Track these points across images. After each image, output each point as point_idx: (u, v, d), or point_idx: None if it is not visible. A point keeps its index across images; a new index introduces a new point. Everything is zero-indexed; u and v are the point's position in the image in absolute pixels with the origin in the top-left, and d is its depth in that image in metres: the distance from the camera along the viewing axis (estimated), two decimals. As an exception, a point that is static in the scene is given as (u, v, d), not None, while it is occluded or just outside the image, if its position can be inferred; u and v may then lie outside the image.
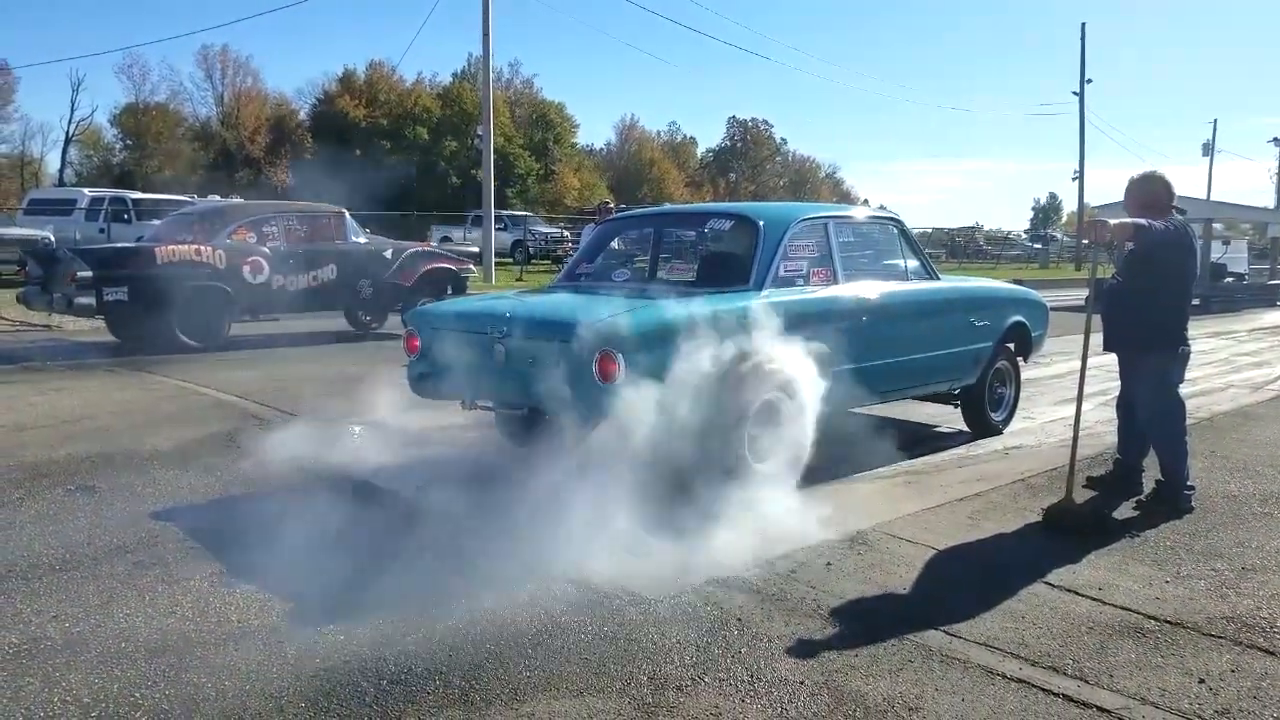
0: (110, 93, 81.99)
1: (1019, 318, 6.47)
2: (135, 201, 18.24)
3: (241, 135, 45.49)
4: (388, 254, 11.42)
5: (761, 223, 5.07)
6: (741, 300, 4.65)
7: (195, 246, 9.84)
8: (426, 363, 5.04)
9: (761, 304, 4.64)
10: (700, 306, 4.43)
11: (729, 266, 4.99)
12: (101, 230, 17.07)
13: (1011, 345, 6.50)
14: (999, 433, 6.38)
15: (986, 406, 6.32)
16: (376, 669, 2.83)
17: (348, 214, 11.34)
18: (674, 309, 4.41)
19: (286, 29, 74.06)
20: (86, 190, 20.26)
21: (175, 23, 75.08)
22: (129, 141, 46.95)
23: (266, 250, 10.27)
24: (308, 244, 10.63)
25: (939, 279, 6.09)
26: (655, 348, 4.21)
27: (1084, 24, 39.26)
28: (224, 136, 46.01)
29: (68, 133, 47.10)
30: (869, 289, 5.34)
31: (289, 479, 4.87)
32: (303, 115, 49.28)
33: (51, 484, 4.71)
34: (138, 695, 2.67)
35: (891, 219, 6.04)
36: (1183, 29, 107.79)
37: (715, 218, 5.74)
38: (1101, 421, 6.77)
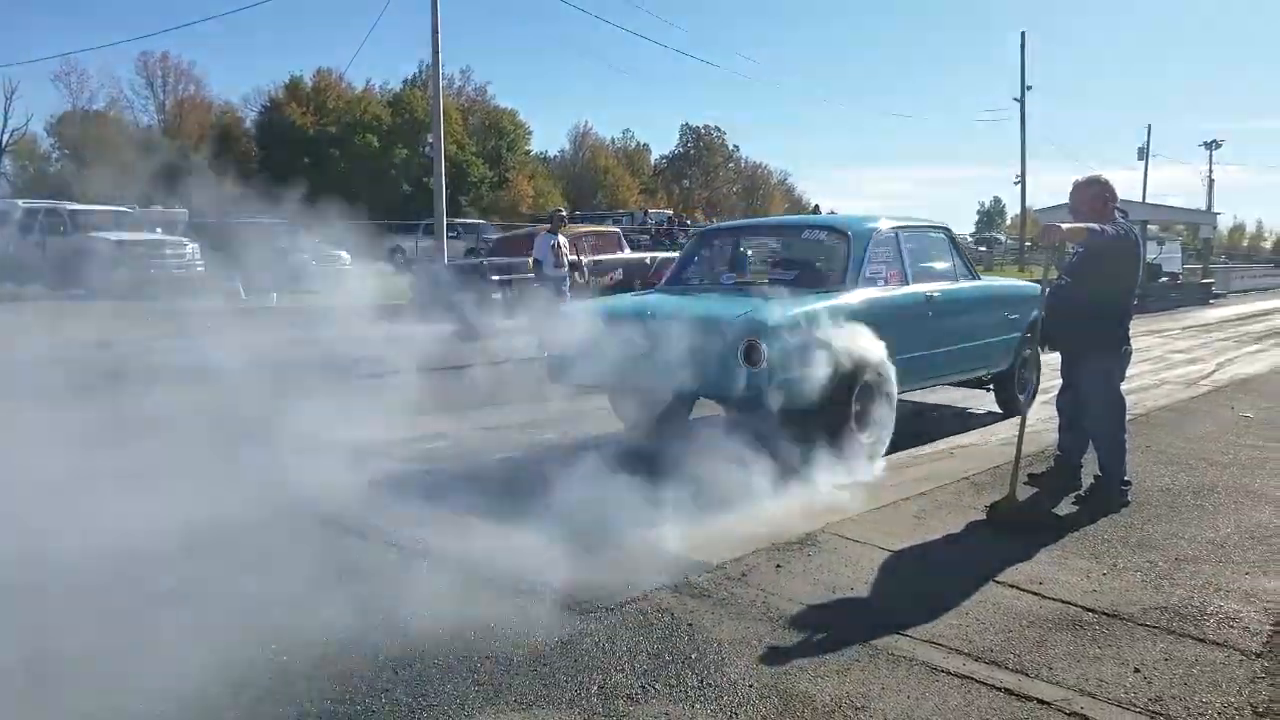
0: (46, 101, 79.60)
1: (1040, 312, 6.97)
2: (72, 212, 17.63)
3: (185, 144, 44.45)
4: (648, 260, 14.53)
5: (851, 233, 5.92)
6: (840, 296, 5.52)
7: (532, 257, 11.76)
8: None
9: (856, 300, 5.53)
10: (814, 301, 5.29)
11: (828, 269, 5.90)
12: (38, 244, 16.53)
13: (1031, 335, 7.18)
14: (1023, 413, 6.72)
15: (1016, 389, 6.96)
16: (320, 690, 2.78)
17: (621, 233, 15.05)
18: (799, 303, 5.24)
19: (230, 36, 72.53)
20: (20, 201, 19.59)
21: (114, 28, 73.36)
22: (66, 151, 45.57)
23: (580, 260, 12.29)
24: (604, 253, 13.89)
25: (980, 279, 6.96)
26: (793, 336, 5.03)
27: (1024, 33, 40.17)
28: (167, 145, 44.94)
29: (1, 143, 45.66)
30: (931, 288, 6.18)
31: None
32: (248, 124, 48.38)
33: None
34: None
35: (942, 228, 6.90)
36: (1119, 37, 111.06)
37: (810, 229, 6.66)
38: (1042, 419, 6.94)
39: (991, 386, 7.14)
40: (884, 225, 6.12)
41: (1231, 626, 3.23)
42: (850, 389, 5.18)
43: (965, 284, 6.62)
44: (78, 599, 3.27)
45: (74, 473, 4.26)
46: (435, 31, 18.55)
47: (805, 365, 4.99)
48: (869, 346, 5.24)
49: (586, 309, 6.11)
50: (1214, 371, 9.72)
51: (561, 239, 10.89)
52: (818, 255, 6.14)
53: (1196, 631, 3.18)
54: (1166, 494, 4.89)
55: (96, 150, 43.68)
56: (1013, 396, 7.01)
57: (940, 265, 6.59)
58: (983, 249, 48.88)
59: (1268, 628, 3.22)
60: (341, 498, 4.59)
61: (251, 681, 2.81)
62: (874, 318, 5.41)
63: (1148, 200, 37.99)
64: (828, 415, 5.11)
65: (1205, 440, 6.21)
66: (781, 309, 5.17)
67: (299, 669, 2.89)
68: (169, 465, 4.50)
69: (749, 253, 6.65)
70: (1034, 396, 6.89)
